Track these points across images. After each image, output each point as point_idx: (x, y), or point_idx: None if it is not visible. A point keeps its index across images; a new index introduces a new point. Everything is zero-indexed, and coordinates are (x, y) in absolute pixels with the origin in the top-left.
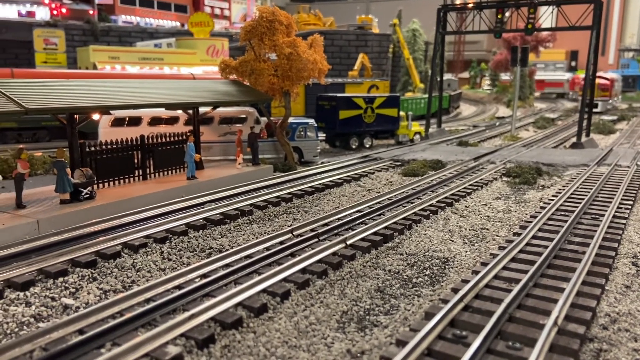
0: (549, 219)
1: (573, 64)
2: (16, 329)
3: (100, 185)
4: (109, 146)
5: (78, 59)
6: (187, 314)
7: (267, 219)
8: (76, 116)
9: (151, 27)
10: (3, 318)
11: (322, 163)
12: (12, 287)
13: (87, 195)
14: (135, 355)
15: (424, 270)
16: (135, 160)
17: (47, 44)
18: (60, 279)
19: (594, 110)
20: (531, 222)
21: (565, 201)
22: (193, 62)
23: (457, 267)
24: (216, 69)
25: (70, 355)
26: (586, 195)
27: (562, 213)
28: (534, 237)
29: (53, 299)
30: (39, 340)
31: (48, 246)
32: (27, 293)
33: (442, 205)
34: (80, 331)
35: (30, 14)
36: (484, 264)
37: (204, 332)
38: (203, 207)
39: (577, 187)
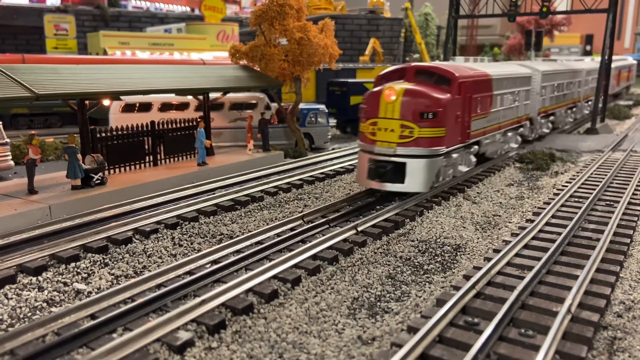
0: (562, 205)
1: (588, 48)
2: (29, 314)
3: (111, 171)
4: (120, 132)
5: (88, 44)
6: (198, 300)
7: (277, 205)
8: (87, 102)
9: (161, 12)
10: (16, 303)
11: (333, 149)
12: (24, 272)
13: (98, 181)
14: (147, 340)
15: (436, 257)
16: (146, 146)
17: (58, 29)
18: (72, 264)
19: None
20: (544, 208)
21: (579, 187)
22: (203, 47)
23: (469, 253)
24: (226, 55)
25: (82, 339)
26: (600, 182)
27: (576, 200)
28: (547, 223)
29: (65, 284)
30: (52, 325)
31: (60, 231)
32: (40, 278)
33: (454, 191)
34: (92, 316)
35: None
36: (496, 251)
37: (215, 318)
38: (214, 193)
39: (592, 174)
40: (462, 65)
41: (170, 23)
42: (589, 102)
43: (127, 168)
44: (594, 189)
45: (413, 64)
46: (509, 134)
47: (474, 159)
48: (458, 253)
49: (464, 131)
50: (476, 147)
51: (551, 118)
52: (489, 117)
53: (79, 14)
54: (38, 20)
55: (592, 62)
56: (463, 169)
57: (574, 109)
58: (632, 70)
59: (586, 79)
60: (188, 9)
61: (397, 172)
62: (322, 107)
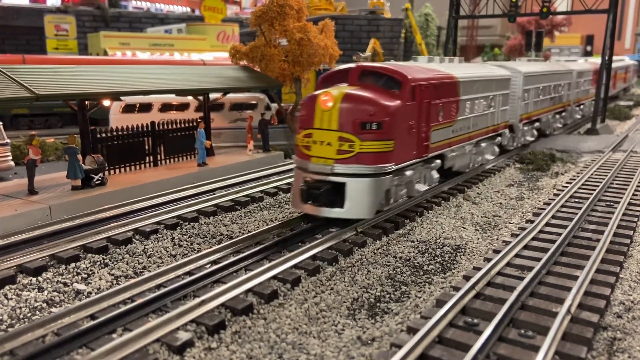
0: (562, 206)
1: (588, 48)
2: (29, 314)
3: (112, 171)
4: (120, 132)
5: (89, 45)
6: (197, 300)
7: (277, 206)
8: (87, 102)
9: (161, 12)
10: (16, 303)
11: None
12: (24, 273)
13: (99, 182)
14: (147, 340)
15: (436, 258)
16: (146, 147)
17: (58, 30)
18: (72, 265)
19: None
20: (544, 209)
21: (579, 188)
22: (203, 48)
23: (468, 254)
24: (226, 55)
25: (82, 340)
26: (601, 182)
27: (576, 200)
28: (547, 224)
29: (65, 284)
30: (51, 325)
31: (60, 232)
32: (40, 278)
33: (454, 192)
34: (92, 316)
35: (41, 0)
36: (496, 252)
37: (215, 318)
38: (214, 194)
39: (592, 174)
40: (420, 66)
41: (170, 24)
42: (581, 106)
43: (128, 168)
44: (594, 190)
45: (359, 63)
46: (483, 144)
47: (436, 175)
48: (458, 254)
49: (420, 144)
50: (439, 161)
51: (536, 125)
52: (456, 126)
53: (80, 14)
54: (38, 20)
55: (585, 63)
56: (421, 187)
57: (563, 114)
58: (629, 71)
59: (577, 81)
60: (188, 9)
61: (336, 195)
62: None
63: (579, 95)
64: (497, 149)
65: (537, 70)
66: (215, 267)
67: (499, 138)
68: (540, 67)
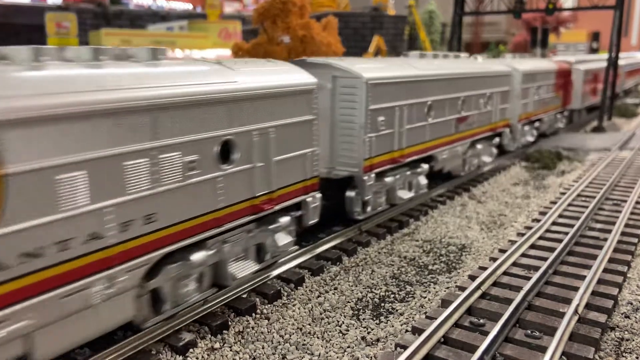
0: (569, 204)
1: (594, 45)
2: None
3: None
4: None
5: (90, 43)
6: (200, 300)
7: None
8: None
9: (163, 10)
10: None
11: None
12: None
13: None
14: (150, 341)
15: (441, 257)
16: None
17: (59, 28)
18: None
19: None
20: (551, 208)
21: (586, 187)
22: (205, 45)
23: (474, 253)
24: (228, 53)
25: None
26: (608, 181)
27: (583, 199)
28: (553, 223)
29: None
30: None
31: None
32: None
33: (459, 191)
34: None
35: None
36: (502, 251)
37: (218, 319)
38: None
39: (599, 172)
40: None
41: (172, 21)
42: (536, 124)
43: None
44: (601, 188)
45: None
46: (227, 247)
47: None
48: (463, 253)
49: None
50: None
51: (422, 169)
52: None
53: (81, 12)
54: (39, 18)
55: (541, 62)
56: None
57: (496, 140)
58: (620, 74)
59: (525, 87)
60: (190, 6)
61: None
62: None
63: (530, 108)
64: (289, 238)
65: (414, 74)
66: None
67: (287, 218)
68: (434, 69)
